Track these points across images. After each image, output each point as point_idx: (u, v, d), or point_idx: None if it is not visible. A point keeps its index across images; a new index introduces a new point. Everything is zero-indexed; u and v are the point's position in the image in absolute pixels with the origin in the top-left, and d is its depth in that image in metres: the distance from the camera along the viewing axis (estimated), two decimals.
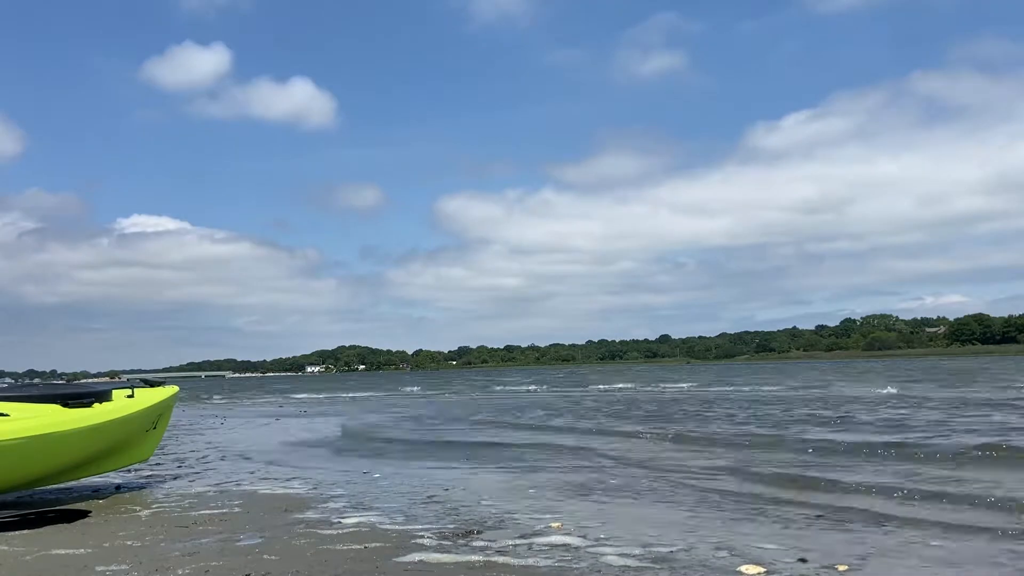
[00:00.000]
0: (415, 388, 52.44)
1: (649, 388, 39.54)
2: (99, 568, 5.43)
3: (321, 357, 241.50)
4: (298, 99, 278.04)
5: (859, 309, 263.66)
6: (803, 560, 5.24)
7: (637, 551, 5.57)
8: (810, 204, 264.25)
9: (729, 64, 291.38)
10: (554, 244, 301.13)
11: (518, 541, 5.97)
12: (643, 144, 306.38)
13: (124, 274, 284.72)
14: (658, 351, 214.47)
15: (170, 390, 9.66)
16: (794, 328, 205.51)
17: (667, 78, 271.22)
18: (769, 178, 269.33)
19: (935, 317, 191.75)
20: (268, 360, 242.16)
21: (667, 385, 42.59)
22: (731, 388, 36.62)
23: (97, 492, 9.00)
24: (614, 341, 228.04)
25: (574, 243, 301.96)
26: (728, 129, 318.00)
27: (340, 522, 6.86)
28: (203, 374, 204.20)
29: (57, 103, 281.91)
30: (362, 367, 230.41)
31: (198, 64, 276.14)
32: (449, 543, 5.94)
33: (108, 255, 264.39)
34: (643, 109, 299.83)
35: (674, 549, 5.63)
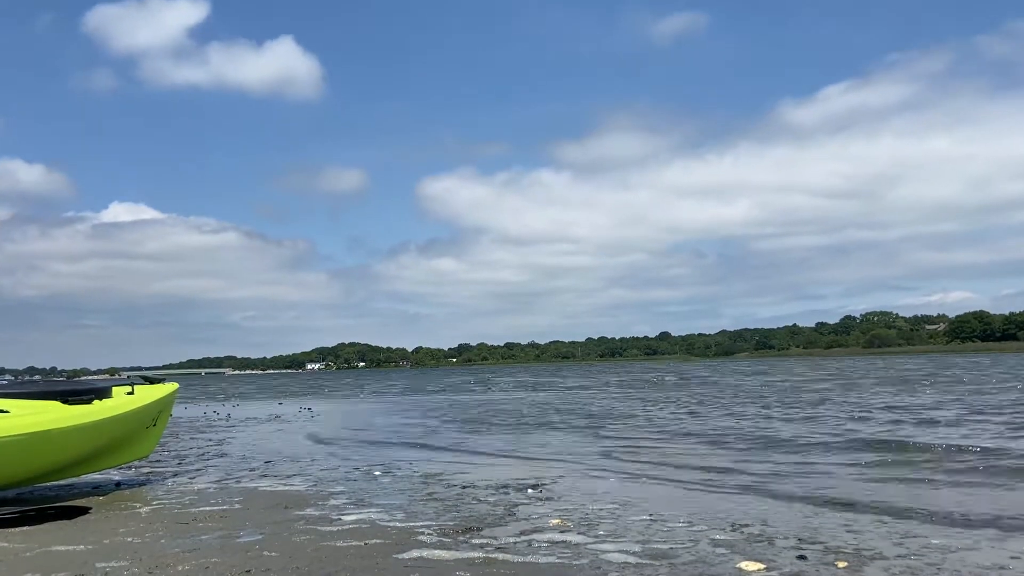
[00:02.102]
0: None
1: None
2: (99, 564, 5.43)
3: (321, 354, 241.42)
4: (280, 64, 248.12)
5: (875, 305, 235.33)
6: (803, 557, 5.24)
7: (637, 548, 5.58)
8: (841, 188, 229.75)
9: (759, 26, 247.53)
10: (553, 233, 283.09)
11: (518, 538, 5.98)
12: (652, 120, 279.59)
13: (105, 266, 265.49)
14: (658, 348, 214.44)
15: (170, 387, 9.66)
16: (794, 325, 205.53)
17: (682, 43, 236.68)
18: (795, 158, 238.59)
19: (935, 314, 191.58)
20: (268, 357, 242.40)
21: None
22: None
23: (97, 489, 9.01)
24: (613, 338, 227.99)
25: (574, 232, 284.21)
26: (752, 102, 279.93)
27: (340, 519, 6.87)
28: (203, 371, 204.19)
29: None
30: (362, 364, 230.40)
31: (168, 19, 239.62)
32: (449, 540, 5.95)
33: (83, 246, 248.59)
34: (652, 80, 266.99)
35: (674, 546, 5.63)
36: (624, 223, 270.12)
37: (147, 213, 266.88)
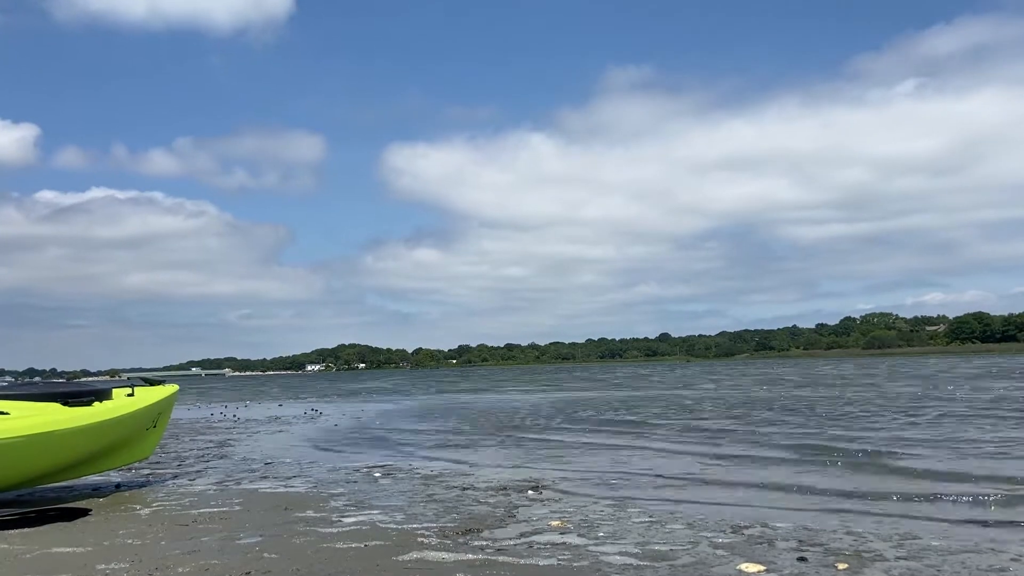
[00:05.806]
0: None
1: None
2: (99, 566, 5.43)
3: (321, 356, 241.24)
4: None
5: (885, 305, 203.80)
6: (803, 559, 5.24)
7: (637, 549, 5.58)
8: (916, 160, 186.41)
9: None
10: (553, 217, 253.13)
11: (518, 539, 5.98)
12: (667, 81, 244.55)
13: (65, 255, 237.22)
14: (658, 349, 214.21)
15: (170, 389, 9.66)
16: (794, 327, 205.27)
17: None
18: (862, 121, 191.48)
19: (935, 315, 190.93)
20: (268, 359, 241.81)
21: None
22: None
23: (97, 490, 9.01)
24: (613, 339, 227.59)
25: (575, 216, 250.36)
26: (803, 50, 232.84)
27: (340, 521, 6.87)
28: (203, 372, 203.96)
29: None
30: (362, 365, 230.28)
31: None
32: (449, 541, 5.95)
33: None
34: (666, 32, 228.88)
35: (674, 547, 5.63)
36: (634, 205, 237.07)
37: (93, 188, 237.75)
